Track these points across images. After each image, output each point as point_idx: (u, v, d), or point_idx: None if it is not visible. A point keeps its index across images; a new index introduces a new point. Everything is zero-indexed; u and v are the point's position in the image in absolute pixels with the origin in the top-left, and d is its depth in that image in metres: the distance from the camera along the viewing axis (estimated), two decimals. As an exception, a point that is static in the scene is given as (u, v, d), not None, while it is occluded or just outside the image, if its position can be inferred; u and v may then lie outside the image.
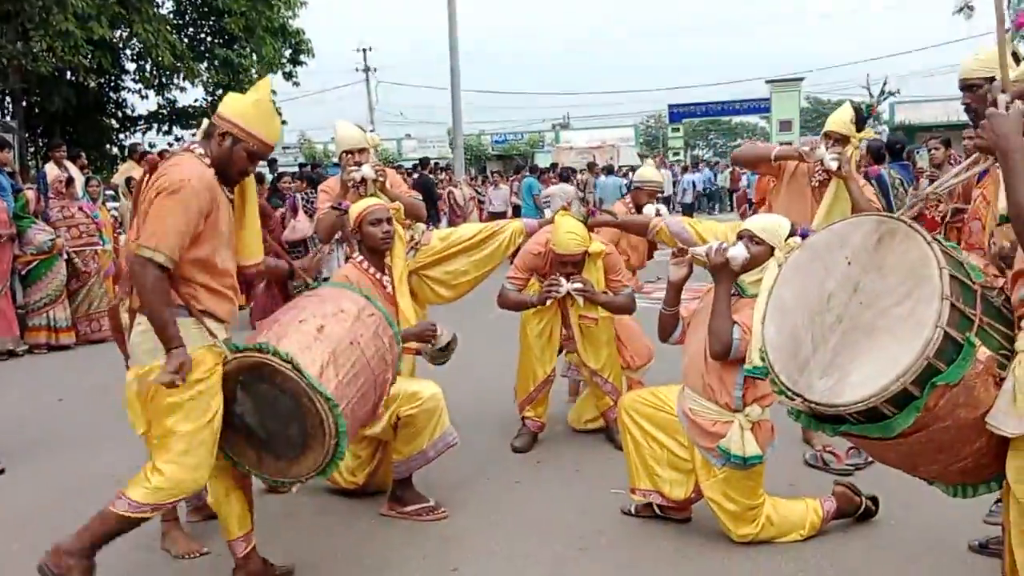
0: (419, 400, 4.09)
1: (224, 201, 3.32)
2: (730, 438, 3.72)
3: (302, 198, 10.92)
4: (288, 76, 21.33)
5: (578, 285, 4.98)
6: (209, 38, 20.33)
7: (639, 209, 5.97)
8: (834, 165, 4.98)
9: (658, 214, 5.51)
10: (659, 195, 6.25)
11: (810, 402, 2.59)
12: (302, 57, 21.55)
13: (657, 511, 4.15)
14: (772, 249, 3.77)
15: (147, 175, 3.31)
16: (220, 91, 19.58)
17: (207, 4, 19.52)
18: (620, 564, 3.81)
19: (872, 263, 2.58)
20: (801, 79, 39.09)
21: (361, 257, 4.54)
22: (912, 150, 10.88)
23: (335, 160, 5.90)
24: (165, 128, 20.85)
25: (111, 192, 13.17)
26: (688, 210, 25.90)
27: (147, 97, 20.11)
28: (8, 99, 17.68)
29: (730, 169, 29.76)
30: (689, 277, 4.06)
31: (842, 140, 5.10)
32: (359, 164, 5.04)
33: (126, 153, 16.58)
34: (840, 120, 5.15)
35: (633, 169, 25.75)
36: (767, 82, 38.67)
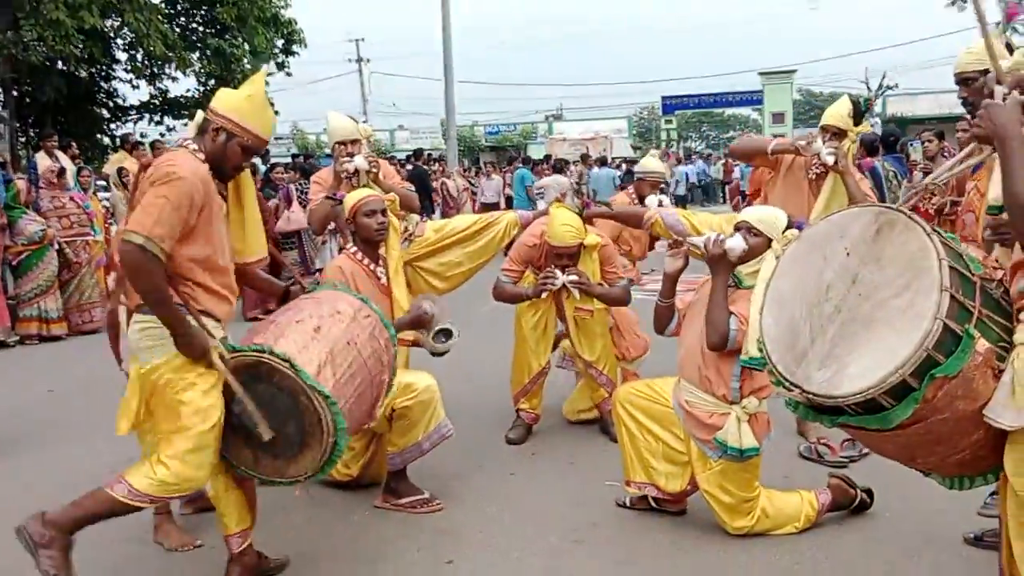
0: (414, 392, 4.08)
1: (219, 198, 3.29)
2: (727, 430, 3.71)
3: (296, 189, 10.88)
4: (280, 66, 21.22)
5: (574, 277, 4.97)
6: (201, 28, 20.21)
7: (641, 200, 5.95)
8: (831, 160, 4.98)
9: (660, 205, 5.50)
10: (662, 186, 6.23)
11: (808, 393, 2.58)
12: (294, 47, 21.44)
13: (652, 503, 4.15)
14: (769, 241, 3.76)
15: (141, 172, 3.28)
16: (212, 81, 19.49)
17: (198, -7, 19.44)
18: (616, 556, 3.80)
19: (871, 254, 2.56)
20: (793, 71, 39.10)
21: (355, 248, 4.52)
22: (906, 143, 10.86)
23: (328, 151, 5.88)
24: (157, 118, 20.72)
25: (102, 182, 13.11)
26: (681, 202, 25.90)
27: (139, 87, 19.94)
28: (-2, 88, 17.58)
29: (723, 161, 29.80)
30: (685, 269, 4.05)
31: (839, 134, 5.09)
32: (352, 155, 5.01)
33: (117, 143, 16.48)
34: (837, 114, 5.14)
35: (627, 161, 25.85)
36: (759, 74, 38.65)
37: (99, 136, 20.29)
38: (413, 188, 5.60)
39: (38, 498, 4.64)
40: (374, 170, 5.05)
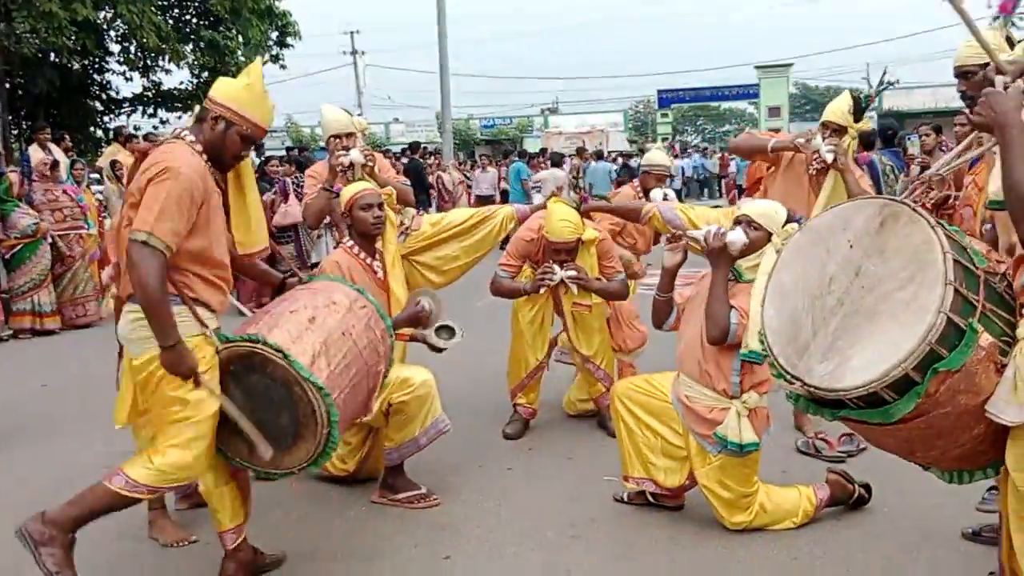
0: (411, 387, 4.05)
1: (216, 191, 3.26)
2: (727, 425, 3.70)
3: (292, 182, 10.84)
4: (275, 59, 21.18)
5: (572, 273, 4.95)
6: (194, 20, 20.17)
7: (647, 193, 5.93)
8: (830, 157, 4.97)
9: (666, 198, 5.48)
10: (668, 179, 6.21)
11: (809, 386, 2.57)
12: (289, 39, 21.42)
13: (650, 499, 4.13)
14: (769, 235, 3.77)
15: (136, 164, 3.25)
16: (206, 73, 19.45)
17: (192, -15, 19.39)
18: (613, 552, 3.79)
19: (874, 247, 2.55)
20: (790, 65, 39.07)
21: (352, 242, 4.49)
22: (903, 137, 10.86)
23: (322, 144, 5.84)
24: (150, 111, 20.68)
25: (96, 175, 13.05)
26: (677, 196, 25.87)
27: (132, 79, 19.94)
28: (-9, 81, 17.50)
29: (719, 155, 29.77)
30: (683, 263, 4.03)
31: (839, 130, 5.08)
32: (347, 149, 4.98)
33: (111, 136, 16.42)
34: (838, 110, 5.12)
35: (623, 155, 25.81)
36: (756, 68, 38.62)
37: (92, 129, 20.24)
38: (409, 182, 5.57)
39: (33, 492, 4.63)
40: (370, 164, 5.02)
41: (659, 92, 41.55)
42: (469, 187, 19.05)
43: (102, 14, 17.33)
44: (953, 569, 3.50)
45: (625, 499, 4.23)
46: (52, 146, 10.24)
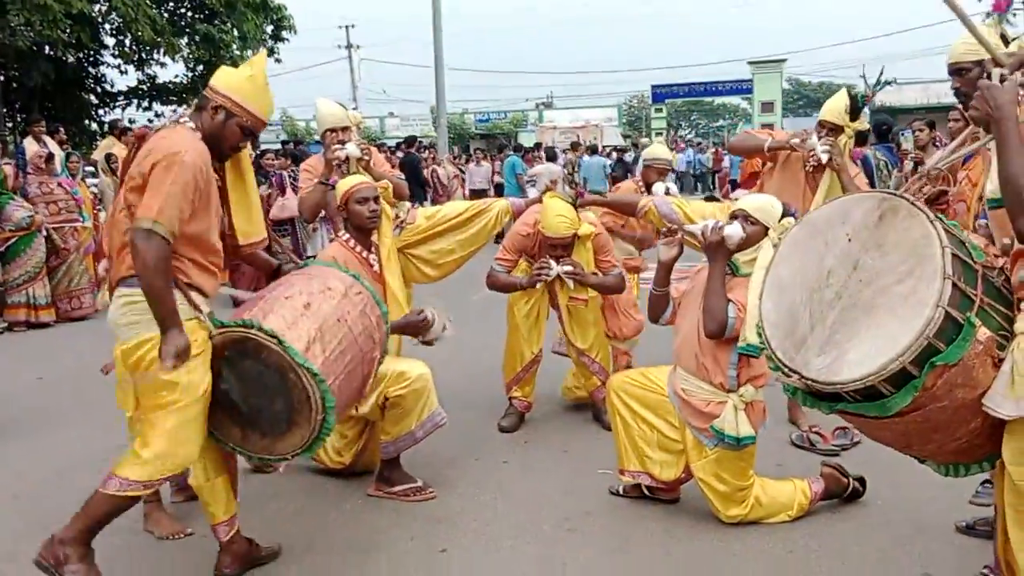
0: (407, 380, 4.06)
1: (214, 177, 3.25)
2: (724, 418, 3.71)
3: (289, 176, 10.83)
4: (270, 52, 21.08)
5: (568, 268, 4.96)
6: (189, 13, 20.08)
7: (649, 187, 5.95)
8: (825, 158, 4.99)
9: (668, 192, 5.48)
10: (669, 173, 6.22)
11: (807, 379, 2.58)
12: (284, 33, 21.34)
13: (646, 492, 4.14)
14: (766, 229, 3.77)
15: (135, 148, 3.23)
16: (201, 67, 19.37)
17: (188, -22, 19.32)
18: (609, 545, 3.80)
19: (873, 240, 2.56)
20: (783, 60, 39.11)
21: (348, 236, 4.49)
22: (897, 132, 10.88)
23: (317, 138, 5.84)
24: (145, 104, 20.60)
25: (91, 168, 13.02)
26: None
27: (127, 72, 19.81)
28: (-15, 74, 17.44)
29: (712, 150, 29.77)
30: (679, 257, 4.04)
31: (835, 130, 5.09)
32: (343, 142, 4.97)
33: (106, 129, 16.35)
34: (834, 109, 5.13)
35: (617, 149, 25.82)
36: (749, 63, 38.65)
37: (87, 122, 20.16)
38: (404, 176, 5.57)
39: (29, 485, 4.64)
40: (365, 157, 5.02)
41: (653, 87, 41.59)
42: (463, 181, 19.03)
43: (97, 7, 17.25)
44: (947, 562, 3.51)
45: (621, 492, 4.24)
46: (47, 139, 10.22)
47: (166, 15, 18.91)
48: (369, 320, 3.60)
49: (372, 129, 39.50)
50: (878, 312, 2.47)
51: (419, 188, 15.34)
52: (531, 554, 3.73)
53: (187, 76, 20.15)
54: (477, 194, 17.10)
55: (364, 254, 4.47)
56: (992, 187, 2.65)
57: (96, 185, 11.77)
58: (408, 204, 5.23)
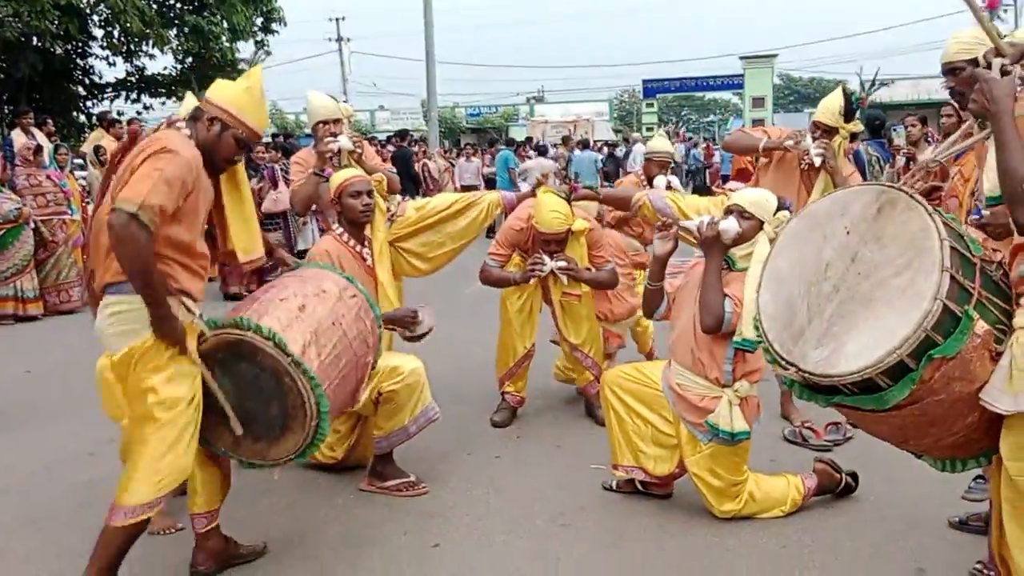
0: (400, 375, 4.03)
1: (207, 186, 3.20)
2: (718, 413, 3.71)
3: (281, 169, 10.79)
4: (260, 45, 20.98)
5: (562, 263, 4.94)
6: (179, 5, 19.92)
7: (650, 181, 5.94)
8: (818, 161, 5.01)
9: (669, 186, 5.47)
10: (670, 166, 6.21)
11: (804, 372, 2.57)
12: (274, 25, 21.19)
13: (639, 487, 4.14)
14: (761, 223, 3.77)
15: (126, 147, 3.18)
16: (190, 59, 19.25)
17: (177, -31, 19.16)
18: (603, 540, 3.79)
19: (871, 233, 2.55)
20: (774, 56, 39.13)
21: (341, 229, 4.46)
22: (888, 128, 10.91)
23: (307, 131, 5.80)
24: (133, 96, 20.44)
25: (79, 160, 12.93)
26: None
27: (115, 64, 19.65)
28: (-28, 66, 17.28)
29: (704, 144, 29.76)
30: (674, 251, 4.03)
31: (830, 131, 5.10)
32: (334, 135, 4.94)
33: (94, 121, 16.24)
34: (829, 111, 5.13)
35: (608, 144, 25.80)
36: (740, 58, 38.66)
37: (75, 114, 20.01)
38: (395, 169, 5.54)
39: (19, 479, 4.61)
40: (358, 150, 4.99)
41: (644, 82, 41.54)
42: (454, 174, 19.01)
43: (85, -2, 17.14)
44: (940, 557, 3.51)
45: (614, 487, 4.23)
46: (35, 131, 10.15)
47: (155, 6, 18.74)
48: (364, 324, 3.57)
49: (362, 122, 39.42)
50: (876, 305, 2.47)
51: (410, 183, 15.28)
52: (524, 549, 3.72)
53: (176, 68, 20.01)
54: (467, 190, 17.05)
55: (357, 248, 4.45)
56: (990, 185, 2.64)
57: (85, 177, 11.70)
58: (399, 198, 5.20)
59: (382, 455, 4.25)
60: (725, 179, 17.15)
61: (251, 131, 3.27)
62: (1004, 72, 2.46)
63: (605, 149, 24.37)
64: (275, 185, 10.61)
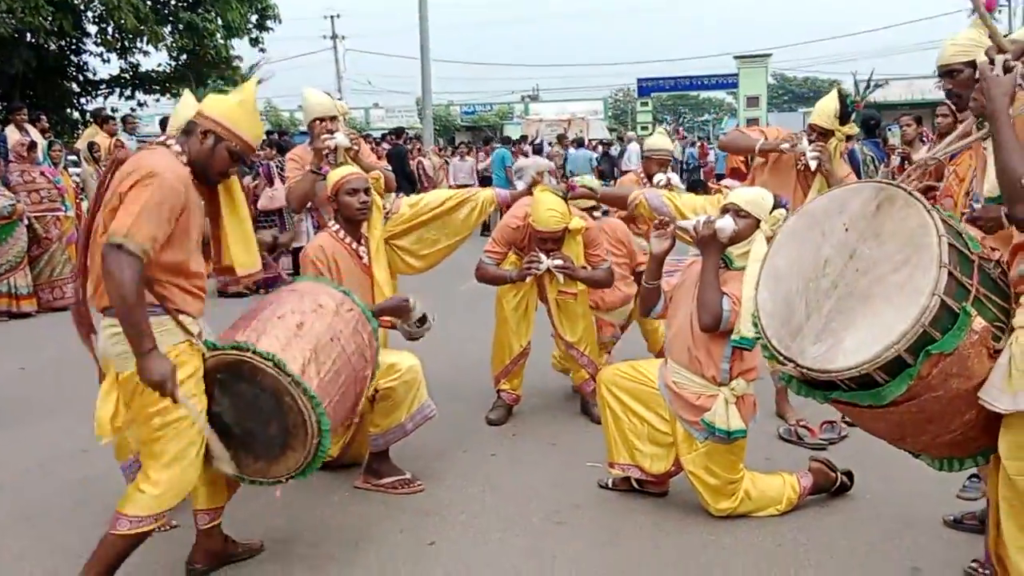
0: (397, 372, 4.03)
1: (197, 203, 3.17)
2: (715, 412, 3.71)
3: (276, 166, 10.77)
4: (254, 42, 20.92)
5: (559, 262, 4.94)
6: (173, 1, 19.85)
7: (650, 179, 5.93)
8: (814, 164, 5.03)
9: (669, 183, 5.47)
10: (670, 163, 6.21)
11: (802, 368, 2.57)
12: (268, 23, 21.13)
13: (635, 485, 4.14)
14: (758, 222, 3.77)
15: (112, 171, 3.15)
16: (184, 56, 19.19)
17: (171, -34, 19.08)
18: (598, 538, 3.79)
19: (870, 230, 2.55)
20: (768, 55, 39.15)
21: (337, 226, 4.45)
22: (884, 127, 10.94)
23: (302, 128, 5.80)
24: (127, 92, 20.38)
25: (73, 157, 12.90)
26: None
27: (109, 61, 19.57)
28: (-34, 61, 17.19)
29: (698, 143, 29.77)
30: (671, 249, 4.03)
31: (825, 134, 5.11)
32: (331, 132, 4.93)
33: (88, 117, 16.18)
34: (825, 113, 5.14)
35: (603, 143, 25.79)
36: (735, 58, 38.68)
37: (69, 110, 19.94)
38: (390, 167, 5.54)
39: (12, 475, 4.59)
40: (355, 147, 4.98)
41: (639, 81, 41.51)
42: (448, 171, 18.99)
43: (79, -6, 17.08)
44: (935, 556, 3.52)
45: (610, 485, 4.23)
46: (29, 127, 10.12)
47: (149, 3, 18.67)
48: (361, 338, 3.56)
49: (357, 120, 39.31)
50: (874, 301, 2.47)
51: (405, 181, 15.25)
52: (520, 547, 3.72)
53: (170, 65, 19.94)
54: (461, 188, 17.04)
55: (353, 246, 4.43)
56: (990, 186, 2.65)
57: (79, 174, 11.66)
58: (393, 195, 5.20)
59: (378, 452, 4.24)
60: (720, 177, 17.17)
61: (245, 143, 3.24)
62: (1008, 68, 2.47)
63: (600, 148, 24.35)
64: (270, 182, 10.60)
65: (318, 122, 4.99)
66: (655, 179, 5.83)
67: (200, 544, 3.48)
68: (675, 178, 5.98)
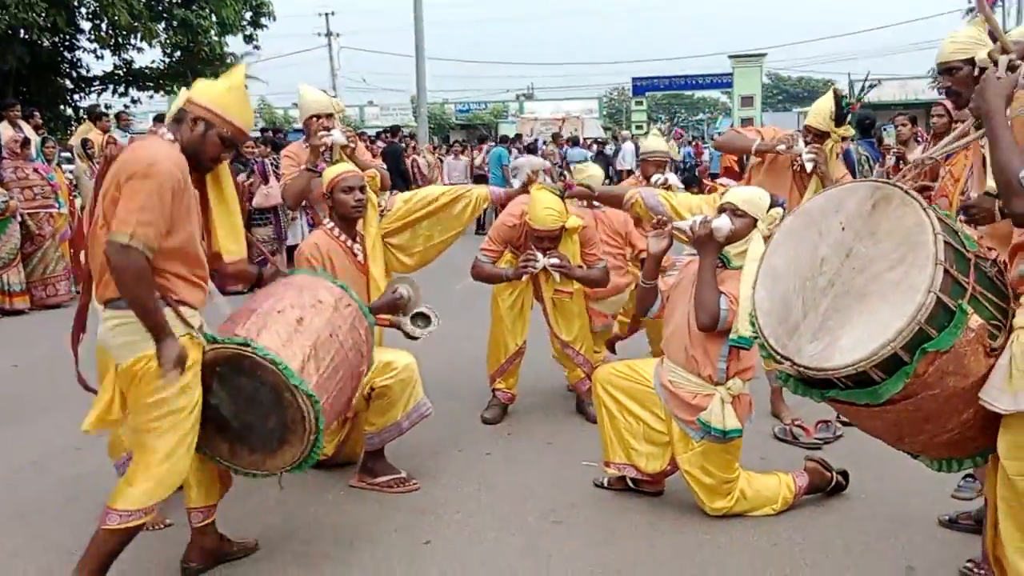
0: (393, 370, 4.02)
1: (193, 190, 3.16)
2: (711, 411, 3.70)
3: (271, 164, 10.75)
4: (248, 39, 20.88)
5: (555, 261, 4.93)
6: (167, -2, 19.82)
7: (647, 180, 5.93)
8: (810, 167, 5.05)
9: (667, 184, 5.46)
10: (667, 164, 6.20)
11: (799, 366, 2.57)
12: (263, 20, 21.08)
13: (630, 484, 4.13)
14: (755, 221, 3.77)
15: (109, 163, 3.14)
16: (178, 53, 19.14)
17: (166, -38, 19.02)
18: (594, 537, 3.78)
19: (866, 228, 2.55)
20: (763, 55, 39.20)
21: (332, 224, 4.44)
22: (879, 127, 10.96)
23: (296, 125, 5.78)
24: (121, 89, 20.32)
25: (67, 154, 12.85)
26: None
27: (103, 57, 19.51)
28: (-41, 58, 17.11)
29: (693, 143, 29.81)
30: (669, 249, 4.03)
31: (821, 135, 5.11)
32: (328, 129, 4.92)
33: (82, 114, 16.12)
34: (821, 115, 5.15)
35: (597, 141, 25.81)
36: (730, 57, 38.72)
37: (62, 107, 19.87)
38: (385, 165, 5.53)
39: (5, 473, 4.57)
40: (351, 145, 4.97)
41: (633, 80, 41.53)
42: (442, 168, 18.99)
43: (73, -10, 17.01)
44: (930, 555, 3.52)
45: (605, 484, 4.23)
46: (22, 123, 10.09)
47: (143, 0, 18.65)
48: (358, 334, 3.56)
49: (352, 118, 39.25)
50: (870, 299, 2.47)
51: (400, 179, 15.23)
52: (515, 546, 3.71)
53: (164, 62, 19.89)
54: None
55: (348, 243, 4.42)
56: (991, 183, 2.66)
57: (72, 171, 11.61)
58: (388, 193, 5.19)
59: (373, 451, 4.23)
60: (714, 177, 17.19)
61: (236, 129, 3.23)
62: (1012, 67, 2.48)
63: (595, 147, 24.36)
64: (265, 180, 10.57)
65: (314, 119, 4.99)
66: (653, 179, 5.83)
67: (195, 542, 3.48)
68: (673, 178, 5.98)
